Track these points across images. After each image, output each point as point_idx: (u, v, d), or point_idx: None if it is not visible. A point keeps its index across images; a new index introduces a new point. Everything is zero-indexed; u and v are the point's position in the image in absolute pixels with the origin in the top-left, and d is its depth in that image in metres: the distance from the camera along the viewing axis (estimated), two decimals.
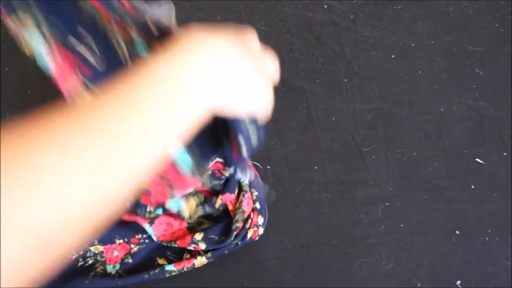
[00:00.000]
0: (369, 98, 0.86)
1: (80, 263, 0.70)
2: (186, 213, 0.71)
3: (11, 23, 0.51)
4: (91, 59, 0.49)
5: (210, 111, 0.37)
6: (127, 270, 0.70)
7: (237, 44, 0.39)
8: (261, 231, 0.71)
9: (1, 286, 0.23)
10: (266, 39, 0.92)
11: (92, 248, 0.71)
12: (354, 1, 0.97)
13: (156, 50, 0.36)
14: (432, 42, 0.92)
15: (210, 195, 0.71)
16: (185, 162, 0.57)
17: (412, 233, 0.75)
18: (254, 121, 0.47)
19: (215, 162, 0.64)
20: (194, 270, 0.71)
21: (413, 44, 0.92)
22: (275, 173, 0.79)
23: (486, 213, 0.76)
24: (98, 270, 0.69)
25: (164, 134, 0.32)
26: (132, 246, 0.71)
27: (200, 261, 0.69)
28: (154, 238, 0.70)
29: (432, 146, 0.82)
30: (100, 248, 0.71)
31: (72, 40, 0.48)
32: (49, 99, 1.00)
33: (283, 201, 0.77)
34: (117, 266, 0.70)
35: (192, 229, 0.71)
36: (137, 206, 0.70)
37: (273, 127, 0.83)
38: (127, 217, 0.71)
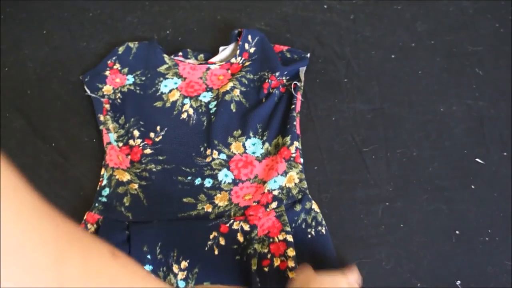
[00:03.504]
0: (369, 98, 0.86)
1: None
2: None
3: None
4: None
5: None
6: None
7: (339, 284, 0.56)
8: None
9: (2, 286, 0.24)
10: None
11: None
12: (354, 1, 0.97)
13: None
14: (432, 42, 0.92)
15: None
16: None
17: (412, 233, 0.75)
18: None
19: None
20: None
21: (413, 44, 0.92)
22: None
23: (486, 213, 0.76)
24: None
25: None
26: None
27: None
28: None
29: (432, 146, 0.82)
30: None
31: None
32: (49, 100, 0.99)
33: None
34: None
35: None
36: None
37: None
38: None
